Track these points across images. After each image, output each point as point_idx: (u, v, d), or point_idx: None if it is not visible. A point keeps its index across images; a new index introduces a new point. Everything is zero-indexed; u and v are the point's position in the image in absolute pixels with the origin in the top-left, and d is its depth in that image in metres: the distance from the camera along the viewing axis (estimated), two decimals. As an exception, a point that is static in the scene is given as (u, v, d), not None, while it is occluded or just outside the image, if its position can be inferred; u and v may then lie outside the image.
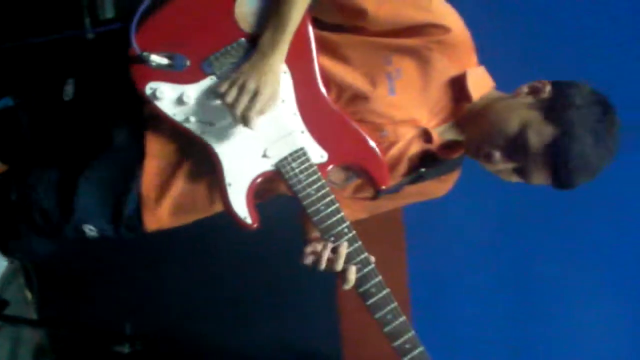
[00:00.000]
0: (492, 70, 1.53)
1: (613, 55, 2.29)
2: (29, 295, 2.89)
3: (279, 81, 1.41)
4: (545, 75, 1.48)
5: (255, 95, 1.35)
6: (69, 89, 1.53)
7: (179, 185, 1.52)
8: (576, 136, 1.34)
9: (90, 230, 1.54)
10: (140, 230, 1.57)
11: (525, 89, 1.46)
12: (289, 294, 2.88)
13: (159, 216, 1.55)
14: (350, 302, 2.77)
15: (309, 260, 1.43)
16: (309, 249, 1.42)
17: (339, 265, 1.39)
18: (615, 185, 2.31)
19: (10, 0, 2.02)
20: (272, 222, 1.52)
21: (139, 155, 1.50)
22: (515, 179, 1.46)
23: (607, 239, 2.53)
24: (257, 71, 1.36)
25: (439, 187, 1.64)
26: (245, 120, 1.37)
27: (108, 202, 1.52)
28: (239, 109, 1.35)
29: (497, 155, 1.41)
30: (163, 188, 1.52)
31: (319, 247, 1.41)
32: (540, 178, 1.41)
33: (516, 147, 1.39)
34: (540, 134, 1.37)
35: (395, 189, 1.55)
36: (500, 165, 1.42)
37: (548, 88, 1.43)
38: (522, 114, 1.41)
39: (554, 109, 1.39)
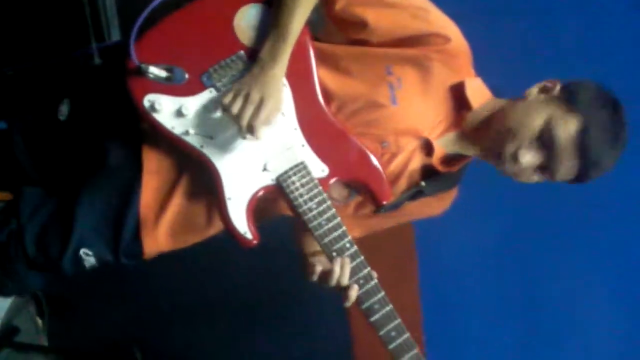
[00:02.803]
0: (488, 80, 1.53)
1: (608, 57, 2.29)
2: (39, 322, 2.88)
3: (282, 91, 1.40)
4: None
5: (260, 105, 1.34)
6: (64, 109, 1.52)
7: (177, 203, 1.50)
8: (600, 124, 1.36)
9: (87, 255, 1.50)
10: (140, 257, 1.55)
11: (535, 90, 1.45)
12: (300, 314, 2.84)
13: (158, 238, 1.52)
14: (362, 321, 2.75)
15: (315, 277, 1.44)
16: (317, 268, 1.44)
17: (344, 281, 1.38)
18: (626, 191, 2.29)
19: (18, 26, 2.05)
20: (278, 240, 1.50)
21: (137, 173, 1.48)
22: (536, 178, 1.44)
23: (616, 247, 2.50)
24: (259, 82, 1.36)
25: (437, 204, 1.62)
26: (251, 130, 1.35)
27: (107, 222, 1.49)
28: (245, 119, 1.34)
29: (524, 153, 1.38)
30: (161, 207, 1.50)
31: (325, 265, 1.41)
32: (565, 171, 1.40)
33: (543, 142, 1.37)
34: (565, 125, 1.36)
35: (395, 205, 1.52)
36: (527, 163, 1.40)
37: (558, 86, 1.43)
38: (543, 109, 1.40)
39: (573, 99, 1.39)
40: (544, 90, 1.44)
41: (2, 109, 1.67)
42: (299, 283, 2.68)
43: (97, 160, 1.49)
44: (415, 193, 1.52)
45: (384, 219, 1.63)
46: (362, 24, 1.42)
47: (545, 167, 1.41)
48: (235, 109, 1.34)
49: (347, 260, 1.38)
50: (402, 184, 1.52)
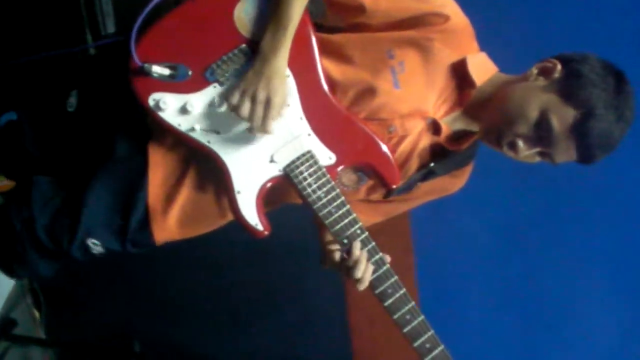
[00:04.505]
0: (494, 55, 1.52)
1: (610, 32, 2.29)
2: (37, 314, 2.87)
3: (286, 83, 1.39)
4: (547, 52, 1.46)
5: (268, 104, 1.34)
6: (72, 100, 1.52)
7: (186, 194, 1.51)
8: (598, 115, 1.33)
9: (94, 244, 1.52)
10: (149, 244, 1.55)
11: (535, 70, 1.43)
12: (299, 309, 2.87)
13: (168, 227, 1.53)
14: (361, 317, 2.77)
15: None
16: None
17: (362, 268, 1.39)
18: (627, 189, 2.31)
19: (13, 18, 2.01)
20: (279, 235, 1.50)
21: (143, 166, 1.48)
22: (538, 159, 1.44)
23: (616, 242, 2.53)
24: (263, 78, 1.35)
25: (452, 182, 1.62)
26: (264, 130, 1.36)
27: (114, 213, 1.50)
28: (257, 122, 1.35)
29: (521, 143, 1.39)
30: (169, 198, 1.51)
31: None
32: (564, 158, 1.40)
33: (540, 133, 1.37)
34: (562, 117, 1.35)
35: (407, 187, 1.53)
36: (524, 152, 1.41)
37: (559, 67, 1.40)
38: (539, 98, 1.38)
39: (570, 89, 1.36)
40: (543, 71, 1.42)
41: (12, 100, 1.66)
42: (299, 278, 2.72)
43: (105, 152, 1.50)
44: (426, 174, 1.52)
45: (399, 203, 1.64)
46: (360, 8, 1.42)
47: (544, 153, 1.41)
48: (244, 111, 1.34)
49: (358, 244, 1.39)
50: (413, 165, 1.52)
